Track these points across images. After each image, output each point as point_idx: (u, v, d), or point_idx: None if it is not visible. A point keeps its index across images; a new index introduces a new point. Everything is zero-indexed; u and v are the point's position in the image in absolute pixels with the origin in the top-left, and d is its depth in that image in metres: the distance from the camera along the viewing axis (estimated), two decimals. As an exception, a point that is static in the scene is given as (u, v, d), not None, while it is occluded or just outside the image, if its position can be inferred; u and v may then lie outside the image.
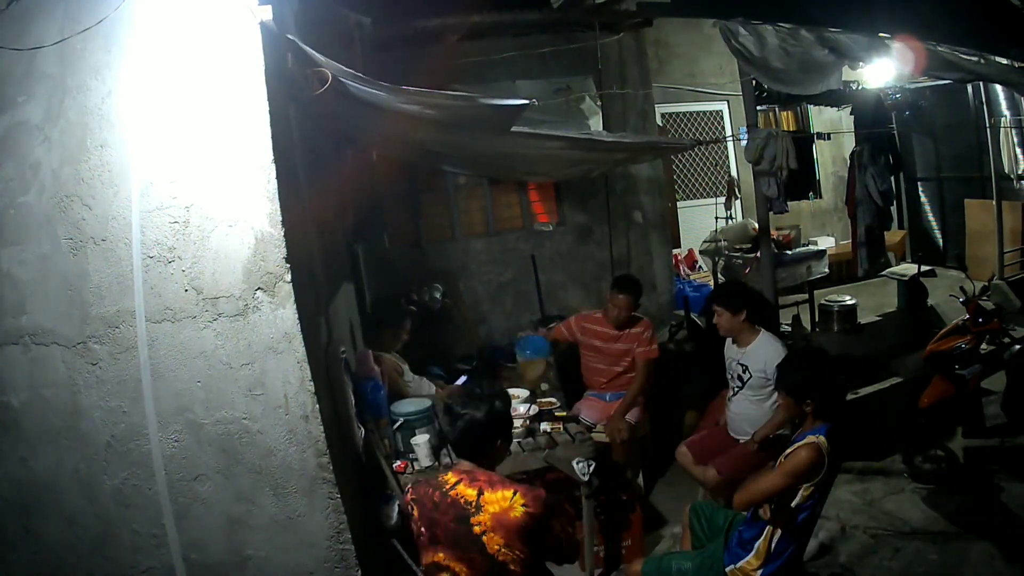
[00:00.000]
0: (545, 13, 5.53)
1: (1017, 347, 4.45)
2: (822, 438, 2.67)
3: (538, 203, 6.30)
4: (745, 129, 5.13)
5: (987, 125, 7.31)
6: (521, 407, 3.89)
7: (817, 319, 5.97)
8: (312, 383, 2.55)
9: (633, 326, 4.45)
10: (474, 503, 2.23)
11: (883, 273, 6.96)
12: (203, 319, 2.51)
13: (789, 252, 7.09)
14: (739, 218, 7.80)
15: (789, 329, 5.57)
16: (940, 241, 8.43)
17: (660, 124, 7.49)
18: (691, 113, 8.45)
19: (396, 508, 3.01)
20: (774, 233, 6.43)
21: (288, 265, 2.50)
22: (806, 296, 6.31)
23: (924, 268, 6.47)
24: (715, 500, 3.91)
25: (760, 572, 2.77)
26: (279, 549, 2.63)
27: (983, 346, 4.45)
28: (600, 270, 6.09)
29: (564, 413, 3.95)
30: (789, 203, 6.12)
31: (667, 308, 6.44)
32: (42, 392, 2.56)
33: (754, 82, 5.09)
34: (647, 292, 6.32)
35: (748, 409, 3.86)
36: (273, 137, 2.49)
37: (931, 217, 8.56)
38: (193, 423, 2.55)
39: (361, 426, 3.34)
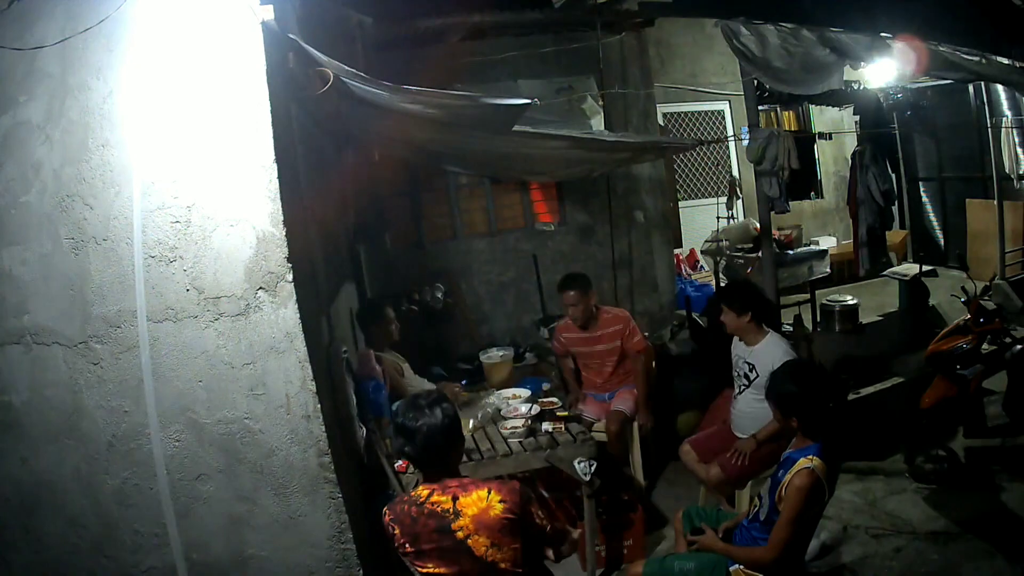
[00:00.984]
0: (547, 13, 5.53)
1: (1019, 347, 4.44)
2: (816, 460, 2.59)
3: (540, 203, 6.30)
4: (747, 129, 5.13)
5: (988, 125, 7.31)
6: (522, 407, 3.89)
7: (818, 319, 5.96)
8: (314, 383, 2.55)
9: (608, 326, 4.34)
10: (451, 509, 2.21)
11: (884, 273, 6.95)
12: (204, 319, 2.51)
13: (791, 252, 7.08)
14: (741, 218, 7.79)
15: (791, 329, 5.56)
16: (941, 241, 8.42)
17: (662, 124, 7.49)
18: (693, 113, 8.45)
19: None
20: (776, 233, 6.44)
21: (290, 265, 2.50)
22: (808, 296, 6.30)
23: (925, 268, 6.47)
24: (717, 498, 3.91)
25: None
26: (280, 549, 2.63)
27: (984, 346, 4.45)
28: (602, 270, 6.08)
29: (565, 413, 3.94)
30: (791, 203, 6.12)
31: (669, 308, 6.44)
32: (43, 392, 2.56)
33: (755, 82, 5.09)
34: (649, 292, 6.36)
35: (754, 408, 3.85)
36: (275, 137, 2.49)
37: (932, 217, 8.56)
38: (194, 423, 2.55)
39: (362, 426, 3.34)
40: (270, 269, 2.50)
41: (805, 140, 8.26)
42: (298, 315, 2.52)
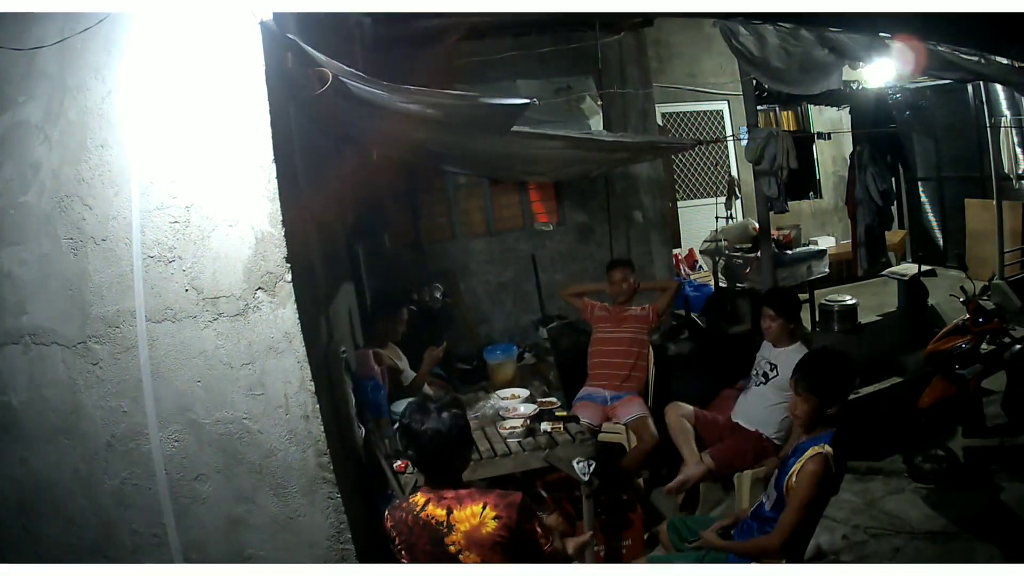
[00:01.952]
0: (545, 12, 5.52)
1: (1017, 347, 4.45)
2: (827, 448, 2.59)
3: (538, 203, 6.30)
4: (745, 129, 5.13)
5: (987, 125, 7.32)
6: (521, 407, 3.89)
7: (817, 319, 5.97)
8: (312, 383, 2.55)
9: (639, 304, 4.79)
10: (445, 523, 2.16)
11: (883, 273, 6.95)
12: (203, 319, 2.51)
13: (789, 252, 7.06)
14: (739, 218, 7.79)
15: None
16: (940, 241, 8.43)
17: (660, 124, 7.50)
18: (691, 113, 8.45)
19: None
20: (774, 233, 6.42)
21: (288, 265, 2.50)
22: (807, 296, 6.30)
23: (924, 268, 6.47)
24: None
25: None
26: (279, 549, 2.63)
27: (983, 346, 4.45)
28: (601, 270, 6.07)
29: (565, 413, 3.94)
30: (789, 203, 6.11)
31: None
32: (42, 392, 2.55)
33: (754, 82, 5.08)
34: (647, 292, 6.34)
35: (763, 403, 3.94)
36: (273, 137, 2.48)
37: (931, 217, 8.56)
38: (193, 423, 2.55)
39: (361, 426, 3.34)
40: (269, 269, 2.50)
41: (804, 140, 8.26)
42: (297, 315, 2.51)
